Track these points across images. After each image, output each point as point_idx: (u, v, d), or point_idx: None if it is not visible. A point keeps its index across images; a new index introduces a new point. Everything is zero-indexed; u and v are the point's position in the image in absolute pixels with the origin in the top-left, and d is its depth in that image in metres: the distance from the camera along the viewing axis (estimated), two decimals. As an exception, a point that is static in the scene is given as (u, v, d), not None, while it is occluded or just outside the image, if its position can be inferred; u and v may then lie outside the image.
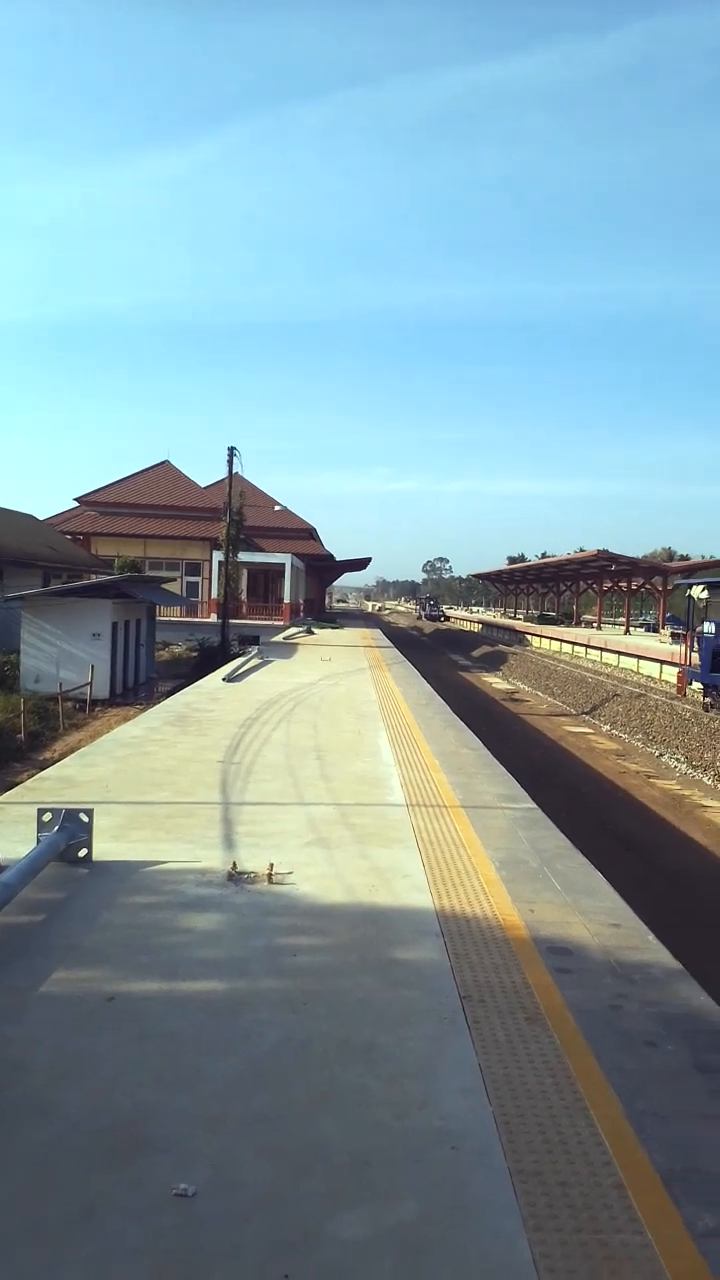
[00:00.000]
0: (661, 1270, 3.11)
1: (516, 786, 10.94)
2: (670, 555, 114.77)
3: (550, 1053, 4.51)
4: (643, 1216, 3.37)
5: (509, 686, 39.47)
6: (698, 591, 29.88)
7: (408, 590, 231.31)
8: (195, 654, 39.03)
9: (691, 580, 33.54)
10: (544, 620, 76.28)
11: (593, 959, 5.71)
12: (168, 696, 20.16)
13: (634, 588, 62.36)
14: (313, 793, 9.96)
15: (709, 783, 19.48)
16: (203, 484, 58.29)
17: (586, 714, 29.98)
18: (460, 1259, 3.11)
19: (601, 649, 47.76)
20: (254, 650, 28.82)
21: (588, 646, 50.45)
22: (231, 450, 42.10)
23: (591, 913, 6.57)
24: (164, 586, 36.65)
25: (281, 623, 48.77)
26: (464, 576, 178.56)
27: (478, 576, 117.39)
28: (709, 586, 30.49)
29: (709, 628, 27.84)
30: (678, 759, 21.89)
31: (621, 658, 43.65)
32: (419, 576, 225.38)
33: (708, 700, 27.75)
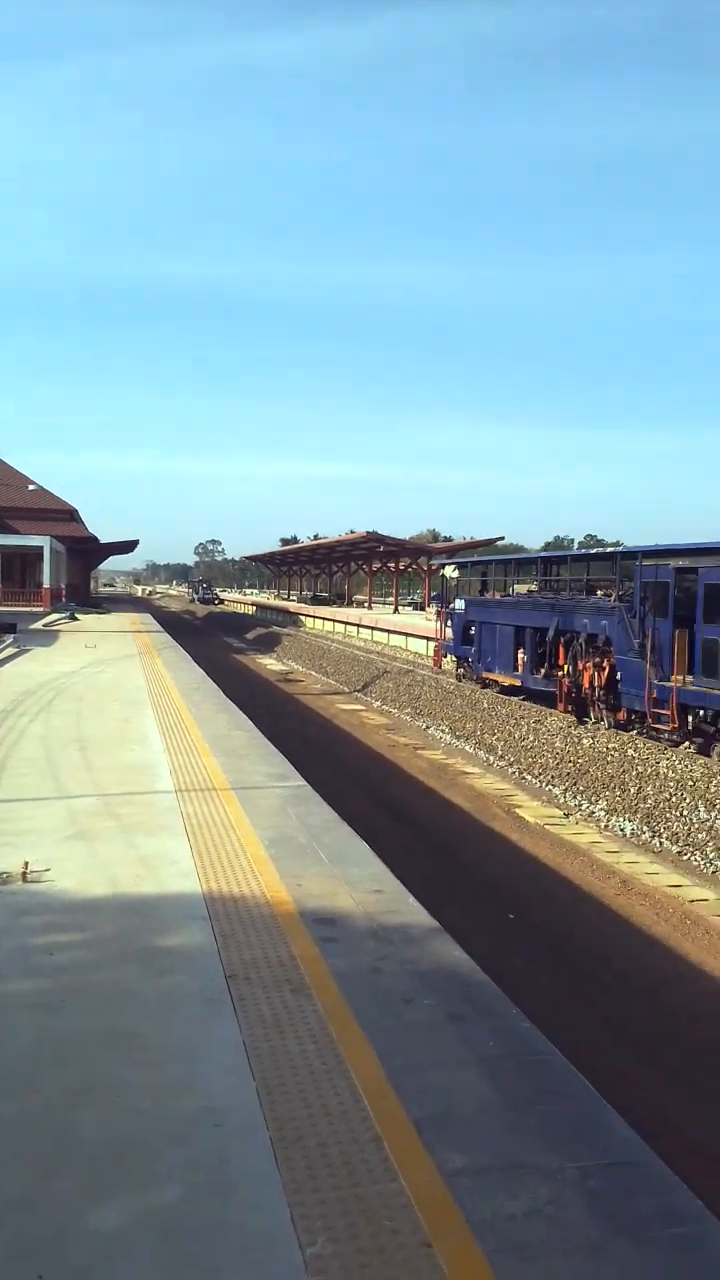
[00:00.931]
0: (414, 1213, 3.27)
1: (287, 765, 11.07)
2: (435, 537, 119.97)
3: (314, 1021, 4.61)
4: (397, 1165, 3.52)
5: (283, 667, 39.83)
6: (449, 571, 32.12)
7: (179, 573, 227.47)
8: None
9: (445, 560, 35.86)
10: (317, 601, 77.53)
11: (356, 926, 5.89)
12: None
13: (401, 568, 64.63)
14: (75, 785, 9.61)
15: (470, 751, 20.58)
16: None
17: (359, 691, 30.79)
18: (220, 1234, 3.12)
19: (372, 628, 49.22)
20: (10, 639, 27.36)
21: (359, 626, 51.82)
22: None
23: (356, 881, 6.76)
24: None
25: (41, 609, 46.55)
26: (237, 559, 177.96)
27: (251, 559, 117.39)
28: (458, 566, 32.84)
29: (459, 604, 29.64)
30: (443, 730, 22.95)
31: (391, 636, 45.21)
32: (191, 559, 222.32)
33: (460, 671, 29.47)
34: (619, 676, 19.50)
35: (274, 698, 29.55)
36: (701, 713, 17.04)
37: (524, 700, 23.98)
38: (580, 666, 21.12)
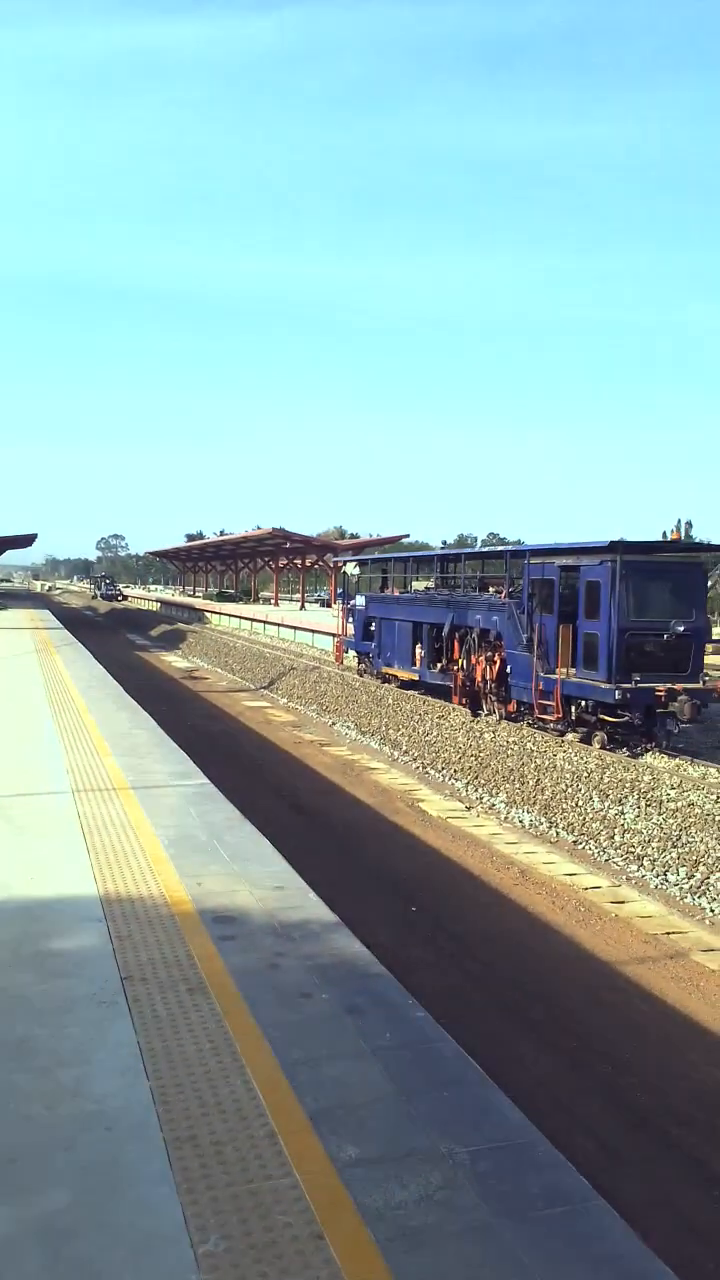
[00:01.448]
0: (308, 1206, 3.30)
1: (189, 763, 10.96)
2: (341, 534, 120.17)
3: (210, 1019, 4.59)
4: (291, 1159, 3.54)
5: (188, 665, 39.36)
6: (350, 568, 32.82)
7: (81, 569, 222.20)
8: None
9: (346, 558, 36.44)
10: (223, 598, 76.85)
11: (256, 923, 5.88)
12: None
13: (308, 565, 64.59)
14: (-32, 786, 9.32)
15: (376, 746, 20.74)
16: None
17: (265, 688, 30.67)
18: (110, 1235, 3.09)
19: (278, 625, 49.04)
20: None
21: (265, 623, 51.57)
22: None
23: (258, 879, 6.76)
24: None
25: (-62, 606, 44.90)
26: (141, 554, 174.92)
27: (155, 554, 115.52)
28: (359, 563, 33.40)
29: (360, 600, 30.15)
30: (348, 726, 23.06)
31: (297, 632, 45.14)
32: (93, 554, 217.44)
33: (361, 667, 29.95)
34: (509, 670, 20.16)
35: (178, 695, 29.19)
36: (583, 703, 17.83)
37: (424, 695, 24.32)
38: (473, 661, 21.76)
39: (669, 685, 16.62)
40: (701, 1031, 7.79)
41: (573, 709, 18.09)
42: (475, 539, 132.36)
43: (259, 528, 61.45)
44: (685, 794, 14.01)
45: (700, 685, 17.12)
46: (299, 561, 64.39)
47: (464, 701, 22.10)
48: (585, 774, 15.56)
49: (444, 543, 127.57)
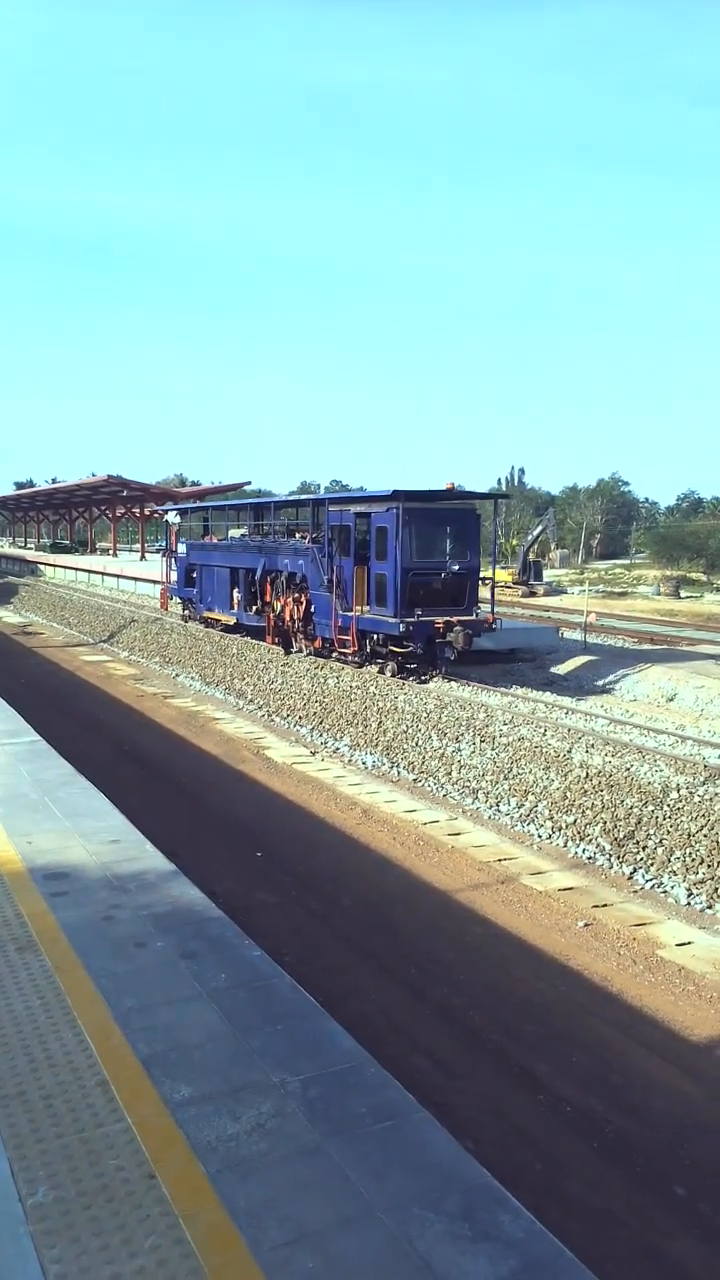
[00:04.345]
0: (140, 1148, 3.33)
1: (19, 721, 10.60)
2: (182, 481, 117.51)
3: (41, 976, 4.52)
4: (124, 1105, 3.56)
5: (21, 620, 37.78)
6: (172, 517, 33.51)
7: None
8: None
9: (167, 506, 36.88)
10: (57, 549, 73.79)
11: (89, 877, 5.80)
12: None
13: (148, 514, 62.81)
14: None
15: (220, 697, 20.64)
16: None
17: (105, 642, 29.84)
18: (-68, 1202, 3.03)
19: (118, 576, 47.65)
20: None
21: (103, 574, 50.00)
22: None
23: (92, 834, 6.64)
24: None
25: None
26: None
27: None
28: (180, 511, 34.21)
29: (181, 548, 31.38)
30: (193, 678, 22.80)
31: (138, 584, 44.01)
32: None
33: (185, 613, 30.97)
34: (313, 609, 21.80)
35: (10, 652, 28.05)
36: (375, 636, 19.62)
37: (246, 637, 25.34)
38: (282, 602, 23.23)
39: (446, 618, 18.55)
40: (528, 949, 8.27)
41: (367, 642, 19.92)
42: (318, 486, 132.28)
43: (93, 475, 59.14)
44: (516, 729, 14.67)
45: (473, 617, 19.25)
46: (137, 511, 62.56)
47: (276, 641, 23.83)
48: (425, 714, 16.02)
49: (290, 492, 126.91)
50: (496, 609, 21.56)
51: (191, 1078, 3.73)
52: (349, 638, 20.05)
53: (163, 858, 6.21)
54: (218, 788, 13.61)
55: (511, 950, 8.26)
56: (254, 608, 25.14)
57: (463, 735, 14.72)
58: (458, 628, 18.38)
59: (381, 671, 19.55)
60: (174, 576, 31.92)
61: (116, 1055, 3.86)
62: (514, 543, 69.03)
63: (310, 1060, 3.90)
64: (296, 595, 22.56)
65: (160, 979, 4.50)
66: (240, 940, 5.01)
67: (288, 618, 23.04)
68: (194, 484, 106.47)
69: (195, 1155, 3.27)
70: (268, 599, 24.20)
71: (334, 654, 21.16)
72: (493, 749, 13.92)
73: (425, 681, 18.94)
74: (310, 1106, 3.57)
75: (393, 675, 19.17)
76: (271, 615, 23.92)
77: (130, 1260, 2.81)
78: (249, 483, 70.89)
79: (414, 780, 13.81)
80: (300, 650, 22.67)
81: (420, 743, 14.88)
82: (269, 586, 24.14)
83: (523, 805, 12.06)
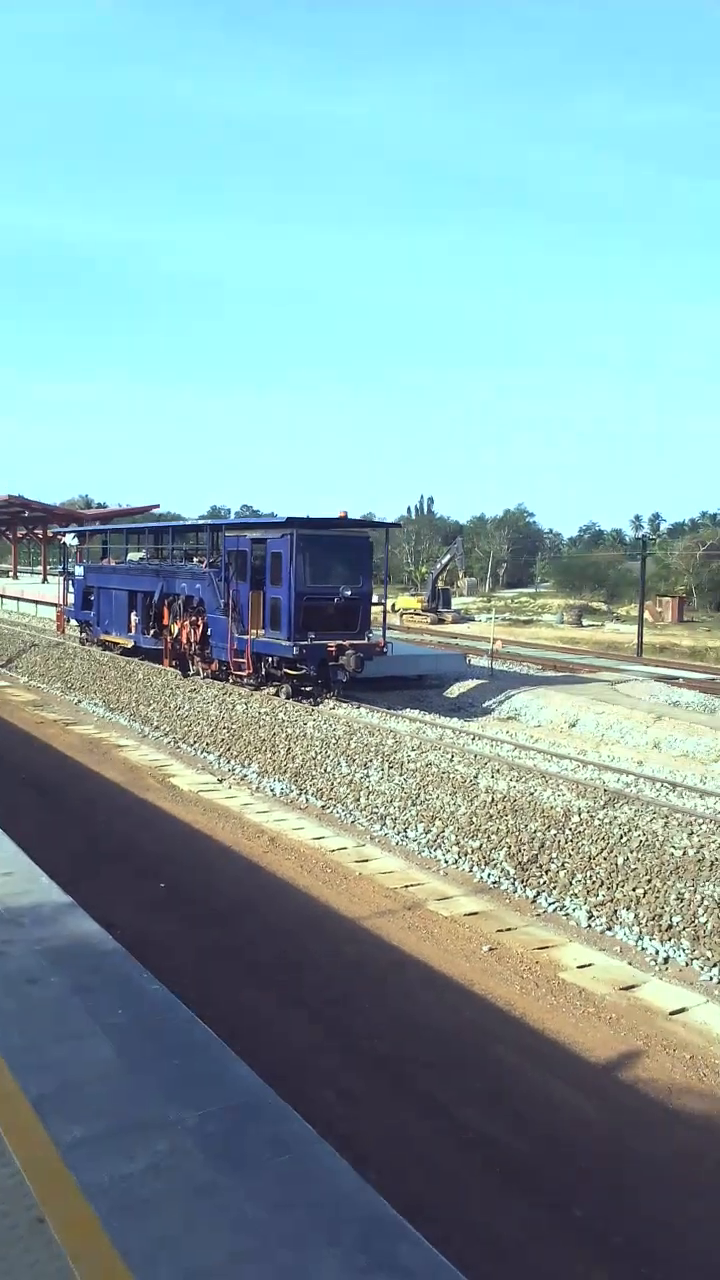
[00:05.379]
0: (28, 1191, 3.20)
1: None
2: (88, 503, 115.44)
3: None
4: (12, 1147, 3.42)
5: None
6: (69, 539, 33.97)
7: None
8: None
9: (64, 529, 37.20)
10: (-43, 571, 71.60)
11: (-20, 912, 5.59)
12: None
13: (50, 535, 61.44)
14: None
15: (125, 723, 20.24)
16: None
17: (2, 668, 29.00)
18: None
19: (18, 598, 46.48)
20: None
21: (2, 596, 48.71)
22: None
23: (-16, 866, 6.41)
24: None
25: None
26: None
27: None
28: (78, 534, 34.78)
29: (79, 571, 31.59)
30: (96, 703, 22.31)
31: (39, 607, 42.96)
32: None
33: (83, 635, 30.77)
34: (210, 632, 22.08)
35: None
36: (270, 659, 20.07)
37: (143, 661, 25.16)
38: (180, 625, 23.46)
39: (339, 642, 19.07)
40: (433, 975, 8.30)
41: (262, 665, 20.28)
42: (229, 510, 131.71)
43: (-5, 496, 57.56)
44: (424, 754, 14.78)
45: (365, 641, 19.87)
46: (39, 532, 61.14)
47: (173, 663, 24.01)
48: (333, 740, 16.01)
49: (200, 516, 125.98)
50: (406, 635, 22.08)
51: (84, 1117, 3.61)
52: (244, 660, 20.37)
53: (59, 890, 6.03)
54: (120, 817, 13.31)
55: (417, 977, 8.27)
56: (151, 631, 25.21)
57: (371, 761, 14.76)
58: (350, 651, 18.86)
59: (276, 694, 19.97)
60: (71, 599, 31.79)
61: (4, 1096, 3.71)
62: (423, 570, 70.00)
63: (209, 1094, 3.83)
64: (194, 618, 22.79)
65: (53, 1015, 4.36)
66: (140, 974, 4.89)
67: (185, 640, 23.27)
68: (100, 506, 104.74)
69: (86, 1197, 3.16)
70: (165, 622, 24.33)
71: (230, 677, 21.40)
72: (401, 775, 14.00)
73: (318, 704, 19.38)
74: (207, 1142, 3.49)
75: (287, 698, 19.63)
76: (169, 638, 24.10)
77: (14, 1312, 2.69)
78: (157, 505, 70.27)
79: (322, 807, 13.77)
80: (198, 673, 22.88)
81: (329, 769, 14.86)
82: (166, 610, 24.27)
83: (430, 831, 12.14)
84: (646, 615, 44.31)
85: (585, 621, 52.36)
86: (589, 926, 9.54)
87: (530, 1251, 4.92)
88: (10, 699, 23.43)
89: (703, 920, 9.04)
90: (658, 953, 8.88)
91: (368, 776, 14.22)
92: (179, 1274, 2.82)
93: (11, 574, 64.77)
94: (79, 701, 22.92)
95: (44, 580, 57.62)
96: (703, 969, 8.50)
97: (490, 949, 8.86)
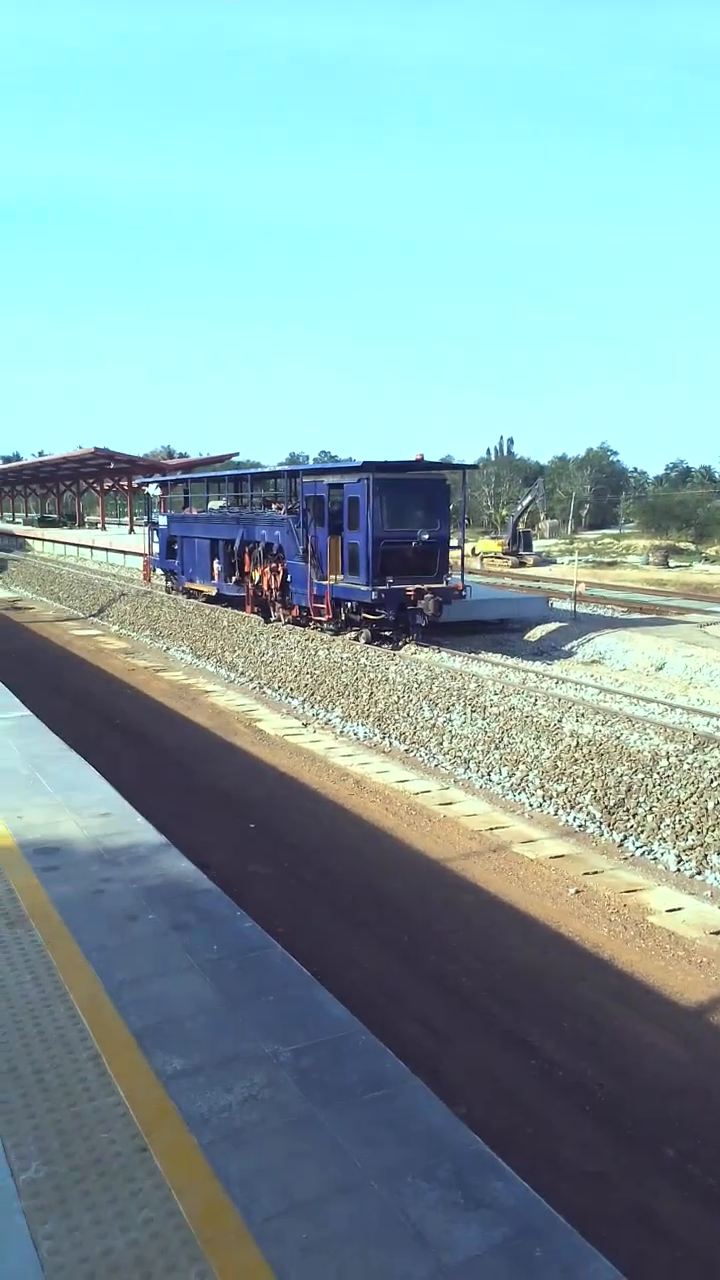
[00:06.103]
0: (132, 1121, 3.33)
1: (9, 696, 10.56)
2: (170, 453, 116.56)
3: (32, 951, 4.50)
4: (115, 1078, 3.56)
5: (10, 595, 37.57)
6: (153, 489, 34.78)
7: None
8: None
9: (148, 479, 37.47)
10: (45, 523, 73.39)
11: (80, 851, 5.78)
12: None
13: (135, 486, 62.39)
14: None
15: (212, 670, 20.59)
16: None
17: (95, 616, 29.72)
18: None
19: (107, 549, 47.39)
20: None
21: (92, 548, 49.72)
22: None
23: (82, 807, 6.62)
24: None
25: None
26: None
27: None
28: (160, 484, 35.08)
29: (162, 520, 31.78)
30: (183, 650, 22.74)
31: (127, 557, 43.78)
32: None
33: (168, 585, 31.24)
34: (290, 579, 22.15)
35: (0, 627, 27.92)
36: (350, 604, 20.10)
37: (228, 608, 25.51)
38: (260, 572, 23.61)
39: (417, 586, 19.01)
40: (519, 916, 8.31)
41: (342, 610, 20.38)
42: (308, 457, 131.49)
43: (80, 448, 58.58)
44: (507, 699, 14.67)
45: (443, 585, 19.68)
46: (125, 483, 62.09)
47: (255, 610, 24.26)
48: (416, 685, 16.01)
49: (279, 463, 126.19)
50: (486, 579, 21.86)
51: (184, 1050, 3.73)
52: (324, 605, 20.45)
53: (154, 830, 6.19)
54: (210, 760, 13.60)
55: (503, 918, 8.30)
56: (233, 578, 25.46)
57: (454, 705, 14.72)
58: (428, 595, 18.85)
59: (356, 639, 20.04)
60: (156, 548, 32.08)
61: (108, 1029, 3.85)
62: (503, 513, 68.91)
63: (302, 1030, 3.91)
64: (274, 565, 22.92)
65: (152, 952, 4.50)
66: (232, 912, 5.01)
67: (265, 587, 23.38)
68: (181, 455, 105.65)
69: (188, 1127, 3.28)
70: (246, 569, 24.52)
71: (310, 622, 21.51)
72: (484, 719, 13.93)
73: (398, 648, 19.48)
74: (302, 1076, 3.57)
75: (367, 643, 19.71)
76: (250, 585, 24.28)
77: (123, 1234, 2.82)
78: (237, 454, 70.50)
79: (405, 750, 13.82)
80: (279, 619, 22.98)
81: (411, 713, 14.88)
82: (247, 557, 24.45)
83: (514, 774, 12.09)
84: (738, 554, 42.83)
85: (672, 562, 50.95)
86: (678, 870, 9.41)
87: (623, 1188, 4.95)
88: (103, 647, 24.05)
89: None
90: (751, 898, 8.72)
91: (450, 720, 14.20)
92: (280, 1204, 2.91)
93: (100, 525, 66.12)
94: (167, 649, 23.39)
95: (130, 530, 58.70)
96: None
97: (577, 891, 8.82)
